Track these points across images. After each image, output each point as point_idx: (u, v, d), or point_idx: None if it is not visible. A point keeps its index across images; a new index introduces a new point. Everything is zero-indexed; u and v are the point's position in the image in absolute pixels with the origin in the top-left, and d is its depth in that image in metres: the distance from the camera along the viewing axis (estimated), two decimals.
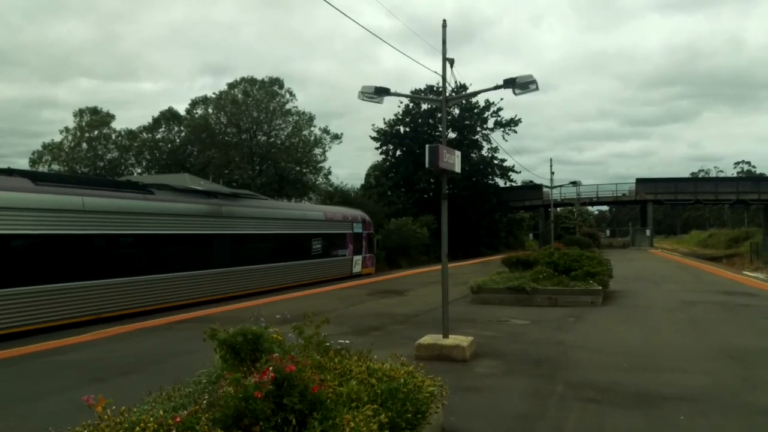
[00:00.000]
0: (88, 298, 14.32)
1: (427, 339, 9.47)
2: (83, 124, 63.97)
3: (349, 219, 29.07)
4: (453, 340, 9.34)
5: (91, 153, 63.43)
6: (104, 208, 15.03)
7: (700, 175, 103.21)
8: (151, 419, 3.72)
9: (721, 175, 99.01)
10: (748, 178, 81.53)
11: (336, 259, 27.17)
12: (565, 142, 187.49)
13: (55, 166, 61.32)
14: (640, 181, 64.33)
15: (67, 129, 63.74)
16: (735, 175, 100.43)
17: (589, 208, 72.68)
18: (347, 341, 6.10)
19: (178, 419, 3.66)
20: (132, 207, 16.00)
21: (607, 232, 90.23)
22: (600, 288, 16.15)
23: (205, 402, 4.07)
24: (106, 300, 14.82)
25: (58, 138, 64.00)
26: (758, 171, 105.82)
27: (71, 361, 9.52)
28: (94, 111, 64.41)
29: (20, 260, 13.07)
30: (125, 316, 14.89)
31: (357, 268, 29.04)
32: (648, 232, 62.98)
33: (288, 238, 23.48)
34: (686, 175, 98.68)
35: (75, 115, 64.35)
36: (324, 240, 26.00)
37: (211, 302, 17.87)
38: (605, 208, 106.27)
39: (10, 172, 14.64)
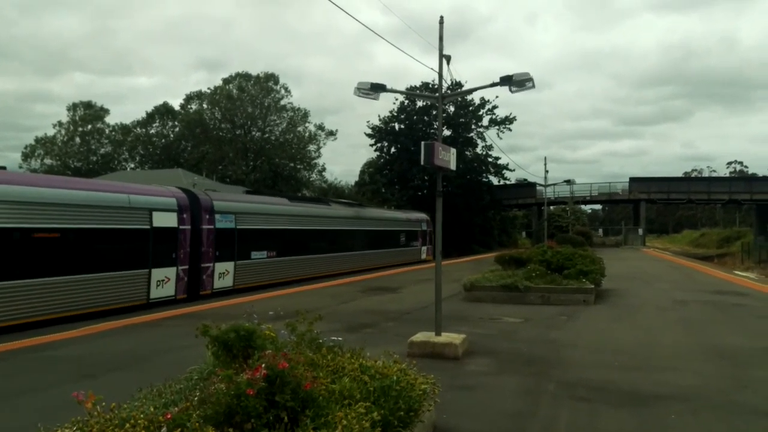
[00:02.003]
0: (309, 265, 25.06)
1: (420, 336, 9.46)
2: (77, 118, 63.63)
3: (419, 220, 39.78)
4: (446, 337, 9.34)
5: (84, 147, 63.12)
6: (315, 213, 26.25)
7: (693, 175, 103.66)
8: (142, 416, 3.70)
9: (714, 174, 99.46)
10: (741, 178, 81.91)
11: (412, 248, 37.87)
12: (559, 141, 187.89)
13: (48, 161, 60.99)
14: (633, 180, 64.52)
15: (60, 123, 63.43)
16: (727, 175, 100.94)
17: (583, 206, 72.79)
18: (340, 338, 6.09)
19: (168, 416, 3.64)
20: (323, 212, 27.35)
21: (600, 231, 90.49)
22: (592, 287, 16.20)
23: (196, 399, 4.05)
24: (313, 267, 25.30)
25: (51, 132, 63.68)
26: (750, 171, 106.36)
27: (61, 357, 9.46)
28: (88, 105, 64.08)
29: (286, 242, 23.29)
30: (318, 278, 24.55)
31: (423, 256, 38.94)
32: (641, 231, 63.17)
33: (389, 233, 34.50)
34: (679, 174, 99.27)
35: (68, 109, 64.01)
36: (406, 235, 36.91)
37: (355, 272, 27.70)
38: (598, 206, 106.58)
39: (273, 193, 27.51)
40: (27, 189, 13.22)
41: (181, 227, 17.40)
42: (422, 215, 40.73)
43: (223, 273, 19.29)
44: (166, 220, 16.97)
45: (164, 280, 16.73)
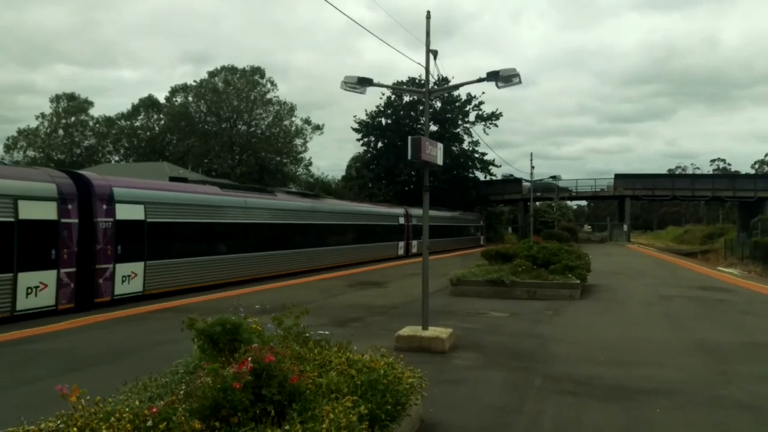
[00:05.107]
0: (437, 245, 40.54)
1: (407, 330, 9.47)
2: (60, 110, 62.71)
3: (479, 218, 58.11)
4: (433, 331, 9.35)
5: (68, 140, 62.31)
6: (439, 216, 42.85)
7: (677, 172, 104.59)
8: (127, 409, 3.66)
9: (698, 172, 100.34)
10: (724, 176, 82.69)
11: (476, 236, 56.23)
12: (544, 138, 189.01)
13: (30, 153, 60.19)
14: (618, 177, 64.96)
15: (43, 115, 62.52)
16: (711, 172, 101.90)
17: (568, 202, 73.08)
18: (327, 332, 6.06)
19: (154, 410, 3.59)
20: (440, 215, 43.67)
21: (586, 226, 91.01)
22: (578, 282, 16.29)
23: (182, 392, 4.00)
24: (439, 246, 41.39)
25: (34, 124, 62.76)
26: (733, 169, 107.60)
27: (44, 351, 9.36)
28: (72, 97, 63.16)
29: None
30: (440, 251, 40.72)
31: (481, 242, 55.56)
32: (625, 227, 63.63)
33: (467, 227, 53.52)
34: (663, 171, 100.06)
35: (52, 101, 63.05)
36: (473, 228, 55.75)
37: (457, 249, 44.97)
38: (584, 202, 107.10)
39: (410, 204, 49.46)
40: (369, 209, 34.62)
41: (404, 224, 37.53)
42: (480, 215, 59.27)
43: (415, 245, 37.69)
44: (401, 220, 37.32)
45: (401, 247, 36.77)
